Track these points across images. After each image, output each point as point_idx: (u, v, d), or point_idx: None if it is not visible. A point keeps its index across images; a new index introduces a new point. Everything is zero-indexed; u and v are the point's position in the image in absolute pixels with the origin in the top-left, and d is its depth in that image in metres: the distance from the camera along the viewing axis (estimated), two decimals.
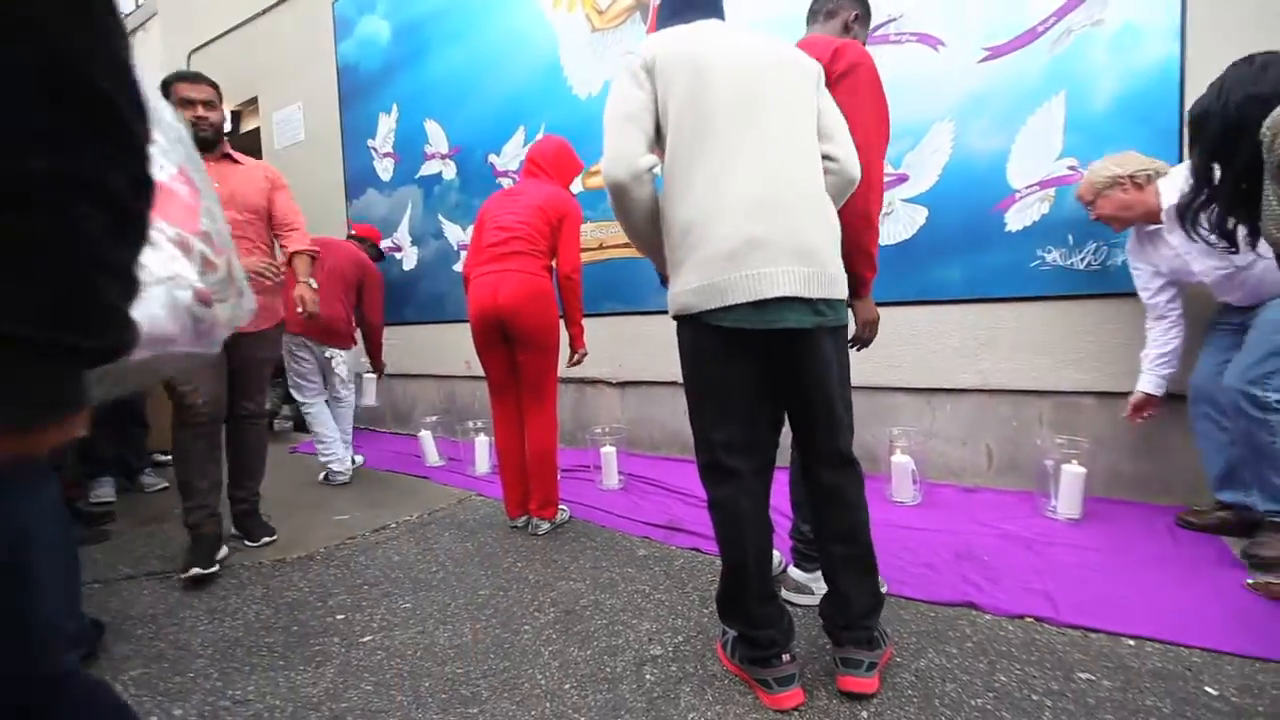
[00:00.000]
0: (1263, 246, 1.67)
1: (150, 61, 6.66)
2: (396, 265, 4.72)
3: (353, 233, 3.98)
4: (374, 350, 3.80)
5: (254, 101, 5.64)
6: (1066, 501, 2.31)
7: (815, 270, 1.27)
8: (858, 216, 1.50)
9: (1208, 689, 1.34)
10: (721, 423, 1.35)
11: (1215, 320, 2.14)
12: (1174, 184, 1.91)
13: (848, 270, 1.40)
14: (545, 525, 2.47)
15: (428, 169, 4.46)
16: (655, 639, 1.64)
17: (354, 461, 3.65)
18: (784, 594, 1.77)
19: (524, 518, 2.53)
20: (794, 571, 1.82)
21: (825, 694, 1.37)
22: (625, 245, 3.55)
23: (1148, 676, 1.39)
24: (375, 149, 4.75)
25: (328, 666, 1.58)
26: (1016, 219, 2.62)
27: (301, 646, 1.69)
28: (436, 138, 4.39)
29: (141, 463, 3.41)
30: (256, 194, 2.35)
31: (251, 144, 5.75)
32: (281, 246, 2.50)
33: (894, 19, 2.81)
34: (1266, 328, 1.83)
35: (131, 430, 3.38)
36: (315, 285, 2.55)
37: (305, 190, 5.33)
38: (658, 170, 1.36)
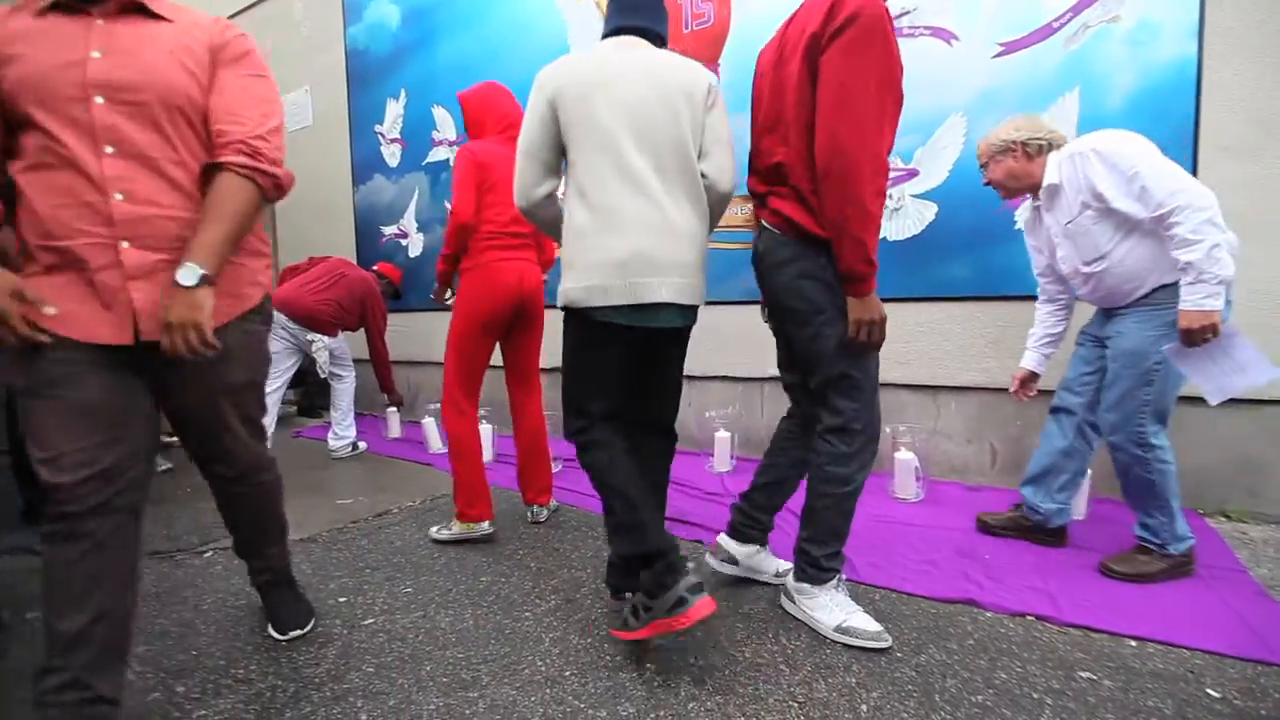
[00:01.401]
0: (1120, 252, 1.80)
1: None
2: (402, 252, 4.71)
3: (375, 268, 4.05)
4: (385, 382, 3.85)
5: None
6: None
7: (687, 282, 1.52)
8: (847, 203, 1.35)
9: (1210, 691, 1.34)
10: (599, 396, 1.60)
11: (1082, 327, 2.10)
12: (1081, 160, 1.81)
13: (839, 264, 1.41)
14: (546, 511, 2.48)
15: (435, 155, 4.45)
16: None
17: (356, 447, 3.73)
18: (711, 562, 1.90)
19: (489, 523, 2.31)
20: (724, 539, 1.89)
21: (825, 687, 1.37)
22: None
23: (1149, 677, 1.39)
24: (383, 135, 4.74)
25: (329, 648, 1.59)
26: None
27: None
28: (444, 124, 4.37)
29: None
30: (171, 69, 1.22)
31: None
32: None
33: (907, 12, 2.78)
34: (1123, 360, 1.83)
35: None
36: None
37: (312, 175, 5.34)
38: (558, 192, 1.61)
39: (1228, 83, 2.27)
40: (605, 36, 1.60)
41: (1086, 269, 1.89)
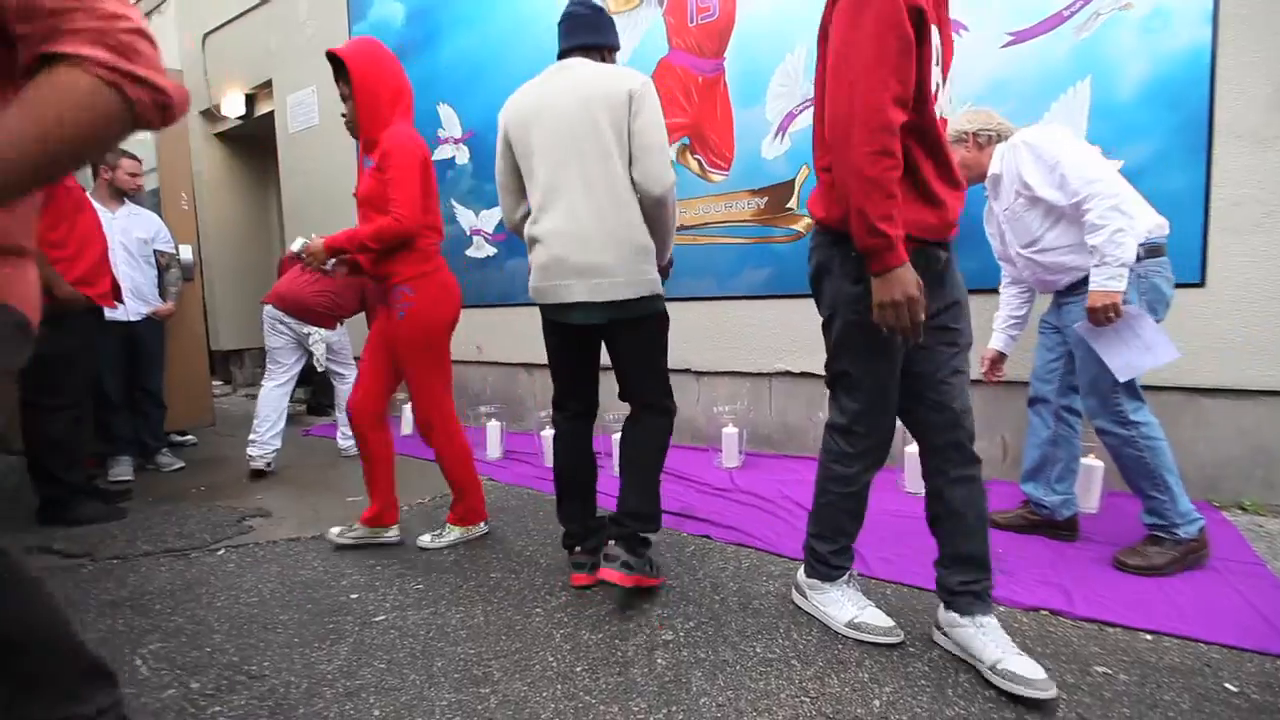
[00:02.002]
0: (1050, 238, 1.92)
1: (165, 44, 6.68)
2: None
3: None
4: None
5: (268, 84, 5.63)
6: (1083, 495, 2.28)
7: (601, 282, 1.66)
8: (843, 172, 1.24)
9: (1227, 685, 1.32)
10: (555, 383, 1.95)
11: (1042, 315, 2.17)
12: (1013, 150, 1.94)
13: (855, 243, 1.27)
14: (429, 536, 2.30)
15: (440, 154, 4.45)
16: (666, 624, 1.64)
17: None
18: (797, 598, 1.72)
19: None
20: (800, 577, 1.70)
21: (837, 682, 1.37)
22: None
23: (1165, 672, 1.38)
24: None
25: (341, 644, 1.60)
26: None
27: (316, 624, 1.71)
28: (450, 122, 4.37)
29: (158, 443, 3.46)
30: None
31: (265, 128, 5.77)
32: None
33: None
34: (1083, 347, 1.89)
35: (148, 410, 3.41)
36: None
37: (319, 174, 5.36)
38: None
39: (1242, 69, 2.23)
40: (558, 58, 1.80)
41: (1024, 253, 2.01)
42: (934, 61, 1.28)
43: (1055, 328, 2.08)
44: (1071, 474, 2.10)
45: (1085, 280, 1.84)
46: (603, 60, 1.80)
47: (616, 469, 2.22)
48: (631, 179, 1.68)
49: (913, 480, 2.61)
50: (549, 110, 1.70)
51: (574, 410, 1.95)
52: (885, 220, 1.21)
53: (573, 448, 1.95)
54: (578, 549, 1.91)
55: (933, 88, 1.29)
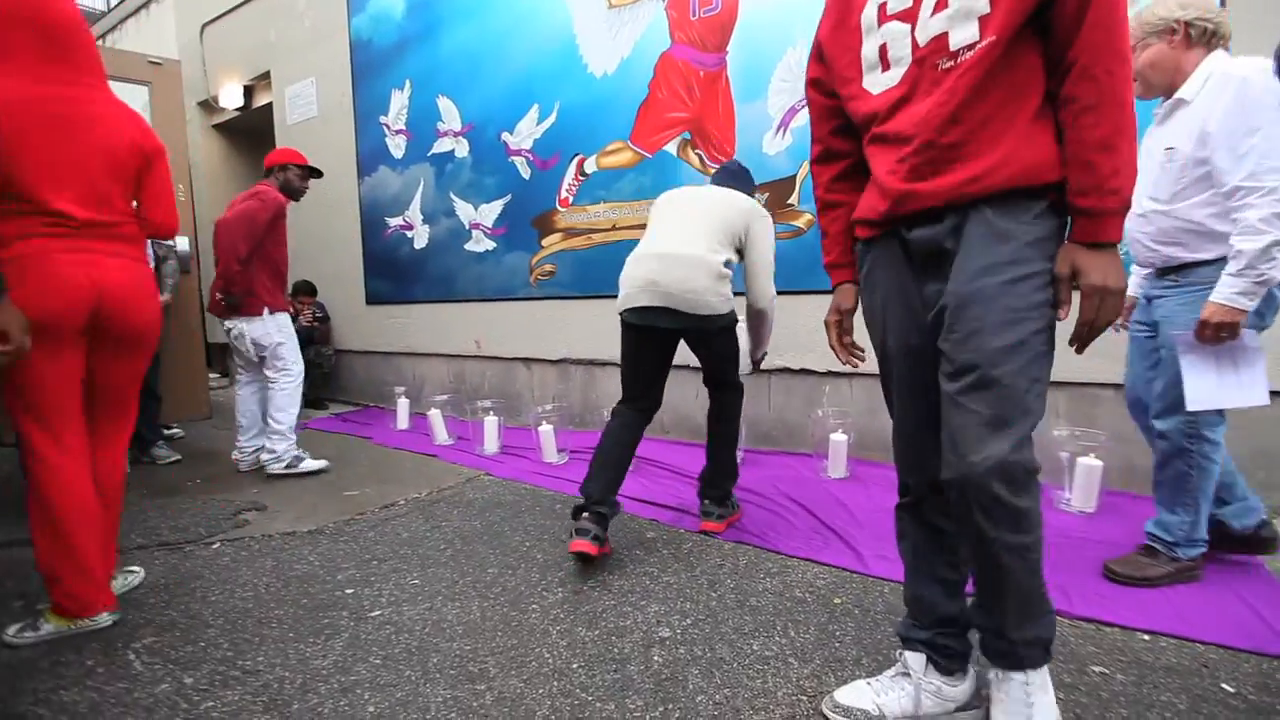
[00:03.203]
0: (1184, 206, 1.56)
1: (163, 35, 6.64)
2: (408, 243, 4.70)
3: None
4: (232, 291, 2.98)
5: (266, 76, 5.60)
6: (1081, 495, 2.28)
7: (678, 297, 1.97)
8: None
9: (1224, 686, 1.32)
10: (628, 380, 2.17)
11: (1133, 317, 1.89)
12: (1224, 83, 1.50)
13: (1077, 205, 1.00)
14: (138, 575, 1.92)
15: (440, 146, 4.42)
16: (663, 621, 1.63)
17: (296, 460, 3.07)
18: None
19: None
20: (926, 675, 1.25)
21: (835, 680, 1.36)
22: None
23: (1162, 672, 1.38)
24: (388, 126, 4.72)
25: (337, 640, 1.59)
26: None
27: (311, 619, 1.70)
28: (449, 115, 4.34)
29: (154, 435, 3.44)
30: None
31: (263, 119, 5.74)
32: None
33: None
34: (1173, 345, 1.64)
35: (144, 403, 3.39)
36: None
37: (318, 167, 5.33)
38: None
39: (1249, 47, 2.20)
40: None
41: (1150, 205, 1.65)
42: None
43: (1150, 333, 1.78)
44: (1234, 481, 1.79)
45: (1192, 267, 1.59)
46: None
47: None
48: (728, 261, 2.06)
49: None
50: (687, 191, 2.23)
51: (640, 406, 2.16)
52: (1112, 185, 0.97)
53: (620, 435, 2.10)
54: (585, 515, 1.91)
55: None
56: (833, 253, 1.33)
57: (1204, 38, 1.57)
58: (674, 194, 2.23)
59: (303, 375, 3.19)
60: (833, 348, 1.36)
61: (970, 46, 0.99)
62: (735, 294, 2.08)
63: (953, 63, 1.01)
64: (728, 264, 2.03)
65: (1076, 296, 1.03)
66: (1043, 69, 1.00)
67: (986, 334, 1.00)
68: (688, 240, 2.03)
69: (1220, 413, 1.64)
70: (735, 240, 2.09)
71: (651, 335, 2.07)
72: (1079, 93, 0.95)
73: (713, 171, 2.32)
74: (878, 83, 1.12)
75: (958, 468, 1.01)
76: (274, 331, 3.06)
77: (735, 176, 2.29)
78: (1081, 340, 1.05)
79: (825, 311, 1.38)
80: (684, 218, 2.11)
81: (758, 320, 2.22)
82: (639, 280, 2.02)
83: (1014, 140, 1.00)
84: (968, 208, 1.04)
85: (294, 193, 3.20)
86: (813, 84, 1.29)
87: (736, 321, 2.13)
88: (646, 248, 2.10)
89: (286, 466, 3.05)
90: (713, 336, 2.09)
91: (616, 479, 2.03)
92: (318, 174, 3.34)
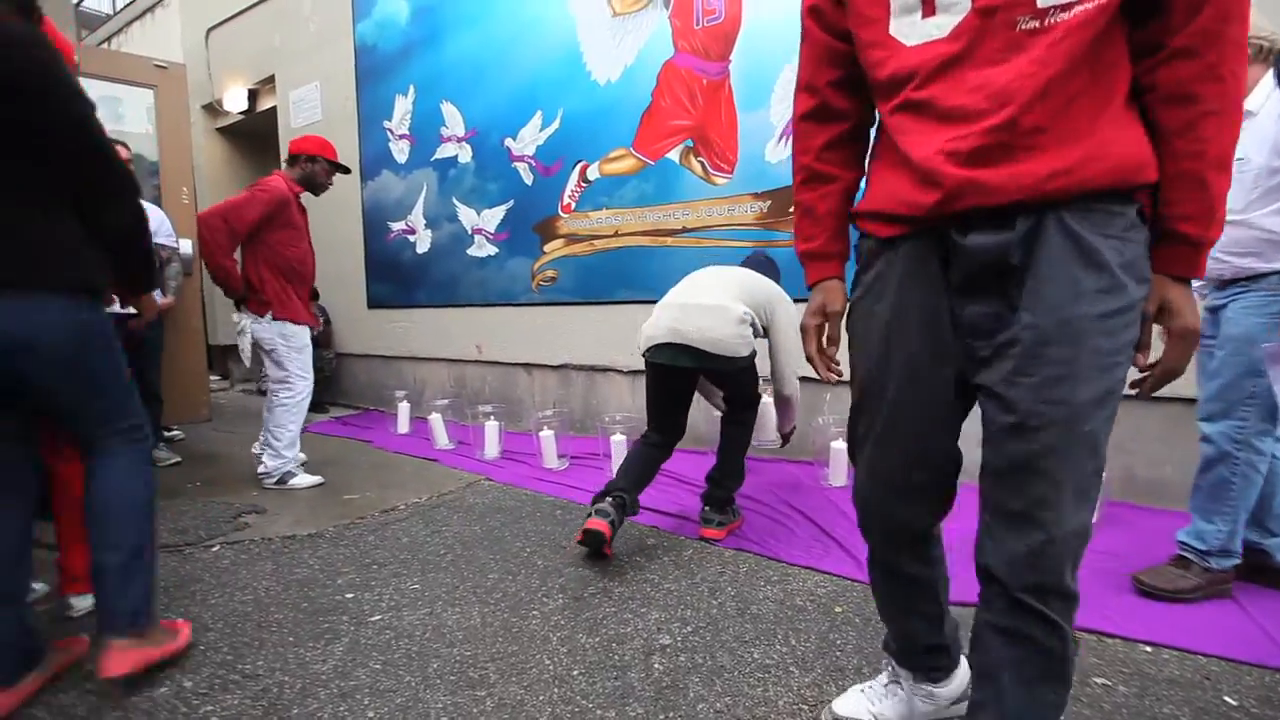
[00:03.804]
0: (1256, 214, 1.55)
1: (168, 38, 6.66)
2: (410, 248, 4.71)
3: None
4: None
5: (271, 80, 5.62)
6: None
7: (697, 340, 2.02)
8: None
9: (1227, 699, 1.32)
10: (651, 413, 2.25)
11: (1203, 337, 1.85)
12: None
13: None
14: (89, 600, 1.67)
15: (443, 152, 4.44)
16: (664, 628, 1.63)
17: (287, 477, 2.91)
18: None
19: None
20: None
21: (835, 689, 1.36)
22: (641, 234, 3.52)
23: (1165, 684, 1.37)
24: (391, 131, 4.74)
25: (336, 644, 1.59)
26: None
27: (310, 623, 1.69)
28: (453, 120, 4.36)
29: (155, 437, 3.44)
30: None
31: (268, 123, 5.76)
32: None
33: None
34: (1230, 347, 1.65)
35: (146, 405, 3.39)
36: None
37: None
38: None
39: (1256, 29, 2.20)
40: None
41: (1236, 220, 1.61)
42: None
43: (1214, 340, 1.73)
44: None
45: (1264, 277, 1.59)
46: None
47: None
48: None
49: None
50: (713, 267, 2.32)
51: (661, 438, 2.23)
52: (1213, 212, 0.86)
53: (643, 456, 2.19)
54: (608, 498, 2.00)
55: None
56: (818, 238, 1.07)
57: (1261, 55, 1.62)
58: (699, 270, 2.32)
59: (309, 393, 2.98)
60: (810, 358, 1.14)
61: (1066, 6, 0.76)
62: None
63: (1038, 23, 0.77)
64: (746, 314, 2.08)
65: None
66: (1128, 49, 0.82)
67: (1077, 382, 0.81)
68: (708, 292, 2.13)
69: (1272, 418, 1.62)
70: (758, 309, 2.14)
71: (673, 373, 2.13)
72: (1204, 92, 0.77)
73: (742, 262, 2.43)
74: (915, 31, 0.85)
75: (1027, 556, 0.83)
76: (277, 338, 2.85)
77: (762, 265, 2.40)
78: (1154, 387, 0.89)
79: None
80: (707, 278, 2.22)
81: (784, 404, 2.30)
82: (661, 326, 2.09)
83: (1109, 128, 0.80)
84: (1045, 210, 0.81)
85: (316, 187, 3.01)
86: (812, 13, 1.00)
87: (755, 354, 2.17)
88: (669, 299, 2.19)
89: (277, 482, 2.92)
90: (731, 376, 2.17)
91: (642, 481, 2.15)
92: (345, 170, 3.14)
